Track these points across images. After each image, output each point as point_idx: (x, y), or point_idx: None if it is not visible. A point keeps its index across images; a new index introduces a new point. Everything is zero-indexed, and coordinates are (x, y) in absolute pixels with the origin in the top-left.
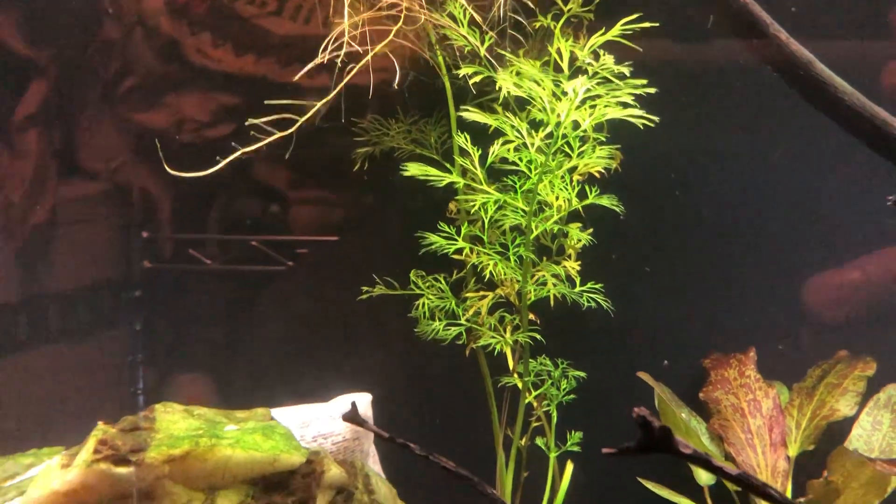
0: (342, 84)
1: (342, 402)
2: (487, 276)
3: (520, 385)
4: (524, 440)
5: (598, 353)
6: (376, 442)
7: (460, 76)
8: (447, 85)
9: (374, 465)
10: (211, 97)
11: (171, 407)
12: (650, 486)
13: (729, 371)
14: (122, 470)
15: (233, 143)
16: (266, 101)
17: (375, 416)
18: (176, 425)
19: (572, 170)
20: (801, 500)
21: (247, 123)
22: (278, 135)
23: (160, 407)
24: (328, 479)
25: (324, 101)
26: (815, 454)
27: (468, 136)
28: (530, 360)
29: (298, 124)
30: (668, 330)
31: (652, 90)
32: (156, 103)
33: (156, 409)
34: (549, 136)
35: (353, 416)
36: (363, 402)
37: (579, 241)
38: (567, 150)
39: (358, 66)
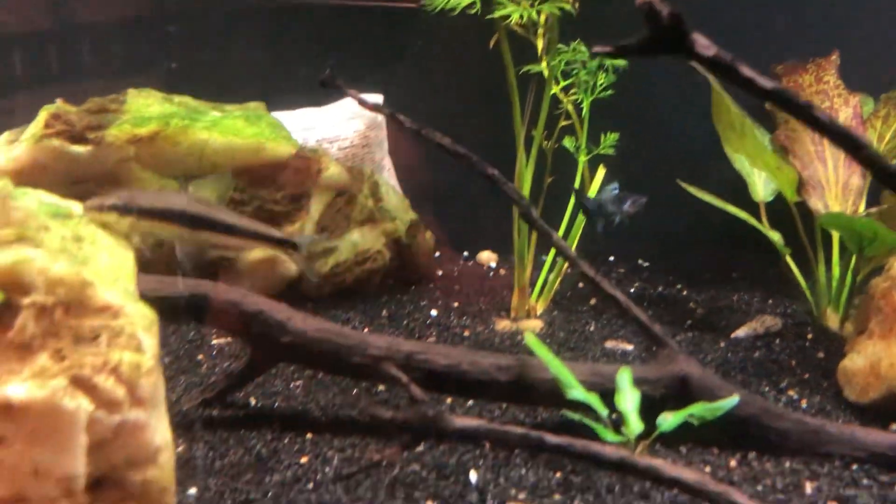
0: None
1: (349, 104)
2: None
3: (545, 73)
4: (549, 142)
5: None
6: (393, 154)
7: None
8: None
9: (389, 178)
10: None
11: (149, 92)
12: (691, 189)
13: (804, 77)
14: (78, 148)
15: None
16: None
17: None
18: (149, 108)
19: None
20: (873, 210)
21: None
22: None
23: (134, 91)
24: (326, 178)
25: None
26: None
27: None
28: (562, 46)
29: None
30: (737, 32)
31: None
32: None
33: (129, 92)
34: None
35: (329, 80)
36: (374, 103)
37: None
38: None
39: None
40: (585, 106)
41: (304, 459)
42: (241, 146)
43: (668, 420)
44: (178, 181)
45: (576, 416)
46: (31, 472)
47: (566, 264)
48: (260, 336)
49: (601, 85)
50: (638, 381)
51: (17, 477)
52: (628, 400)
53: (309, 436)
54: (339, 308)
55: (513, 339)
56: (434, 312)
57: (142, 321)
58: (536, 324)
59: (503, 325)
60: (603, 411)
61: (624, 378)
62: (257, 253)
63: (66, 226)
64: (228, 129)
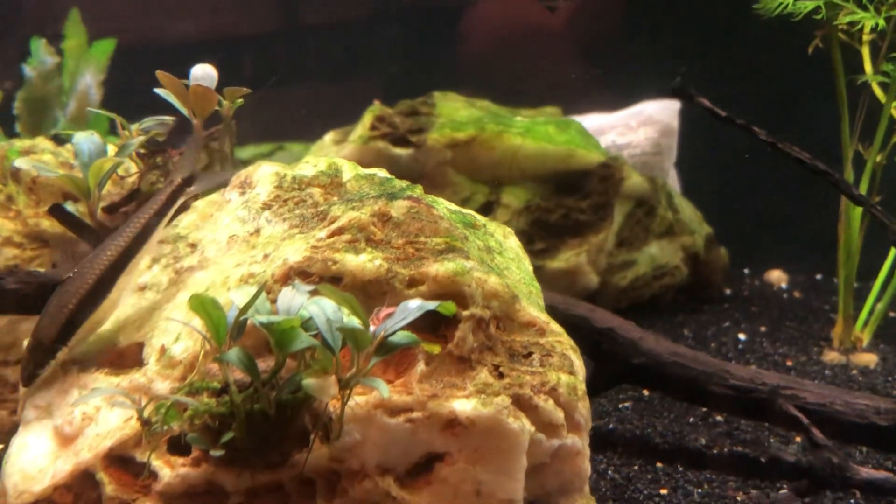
0: None
1: (642, 110)
2: None
3: (878, 92)
4: (881, 157)
5: None
6: (678, 164)
7: None
8: None
9: (675, 188)
10: None
11: (452, 96)
12: None
13: None
14: (400, 151)
15: None
16: None
17: (682, 127)
18: (458, 112)
19: None
20: None
21: None
22: None
23: (439, 94)
24: (628, 187)
25: None
26: None
27: None
28: None
29: None
30: None
31: None
32: None
33: (435, 95)
34: None
35: (681, 88)
36: (670, 110)
37: None
38: None
39: None
40: None
41: (663, 491)
42: (552, 153)
43: None
44: (489, 186)
45: None
46: (474, 493)
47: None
48: (609, 354)
49: None
50: None
51: (459, 496)
52: None
53: (659, 464)
54: (637, 324)
55: (846, 373)
56: (742, 336)
57: (568, 340)
58: (870, 358)
59: (831, 356)
60: None
61: None
62: (559, 263)
63: (476, 235)
64: (541, 135)
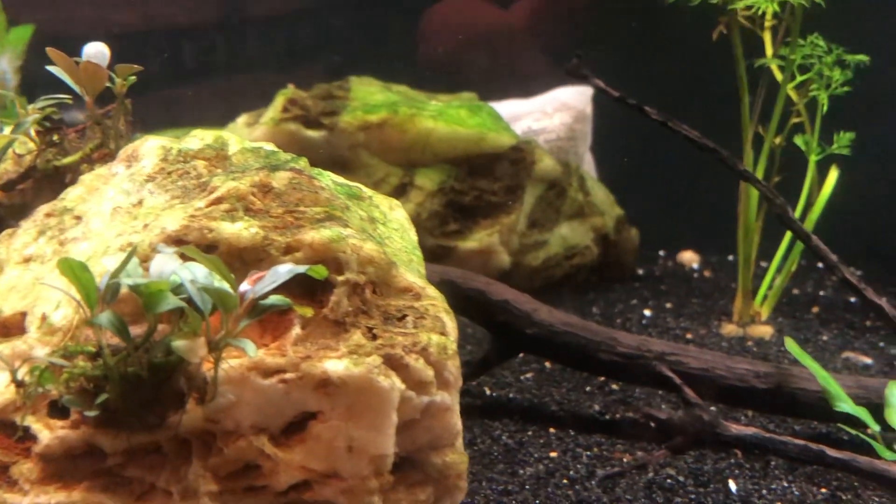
0: None
1: (557, 97)
2: None
3: (777, 74)
4: (779, 139)
5: None
6: (593, 149)
7: None
8: None
9: (591, 172)
10: None
11: (369, 80)
12: None
13: None
14: (312, 133)
15: None
16: None
17: (595, 114)
18: (373, 96)
19: None
20: None
21: None
22: None
23: (356, 79)
24: (539, 170)
25: None
26: None
27: None
28: (799, 40)
29: None
30: None
31: None
32: None
33: (351, 79)
34: None
35: (576, 69)
36: (582, 96)
37: None
38: None
39: None
40: (824, 101)
41: (553, 454)
42: (463, 136)
43: None
44: (403, 168)
45: (853, 431)
46: (346, 449)
47: (793, 268)
48: (504, 326)
49: (837, 81)
50: None
51: (331, 452)
52: None
53: (552, 430)
54: (548, 303)
55: (741, 344)
56: (647, 312)
57: (442, 303)
58: (766, 330)
59: (729, 329)
60: (875, 427)
61: (895, 393)
62: (472, 243)
63: (360, 206)
64: (452, 118)
